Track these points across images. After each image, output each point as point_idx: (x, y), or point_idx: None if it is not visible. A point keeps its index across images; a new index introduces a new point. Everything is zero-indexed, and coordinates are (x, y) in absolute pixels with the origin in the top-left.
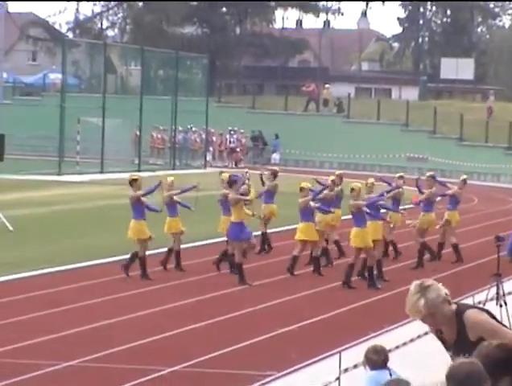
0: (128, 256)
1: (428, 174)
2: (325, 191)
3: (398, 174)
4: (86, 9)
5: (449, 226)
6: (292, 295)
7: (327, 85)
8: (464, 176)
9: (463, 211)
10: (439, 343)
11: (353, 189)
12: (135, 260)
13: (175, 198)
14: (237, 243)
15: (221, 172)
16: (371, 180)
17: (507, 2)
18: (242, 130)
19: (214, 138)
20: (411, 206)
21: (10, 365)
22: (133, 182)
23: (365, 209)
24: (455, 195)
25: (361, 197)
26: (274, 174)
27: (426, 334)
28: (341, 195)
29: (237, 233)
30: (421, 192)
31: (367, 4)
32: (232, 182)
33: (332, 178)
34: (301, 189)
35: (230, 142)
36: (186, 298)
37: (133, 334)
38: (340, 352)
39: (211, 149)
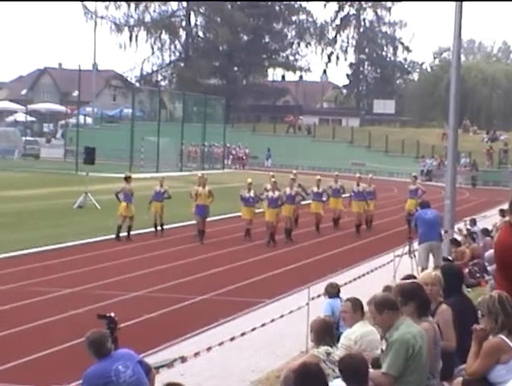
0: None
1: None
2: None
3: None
4: (147, 67)
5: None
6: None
7: (300, 117)
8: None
9: (388, 197)
10: (375, 280)
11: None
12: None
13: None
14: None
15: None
16: (318, 177)
17: (417, 63)
18: (247, 145)
19: (233, 151)
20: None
21: None
22: (128, 179)
23: None
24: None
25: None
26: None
27: (364, 275)
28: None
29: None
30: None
31: (326, 65)
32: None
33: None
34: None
35: (239, 153)
36: (200, 254)
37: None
38: (309, 287)
39: (230, 157)
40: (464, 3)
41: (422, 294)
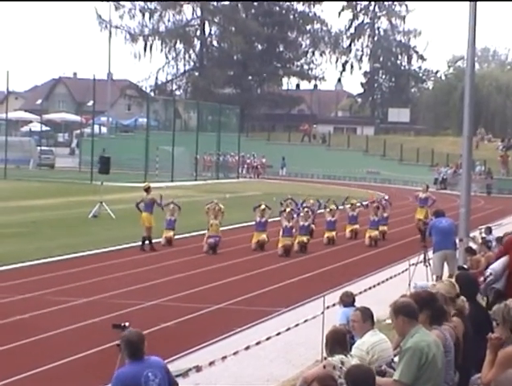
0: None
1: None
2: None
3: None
4: (162, 76)
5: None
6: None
7: (314, 126)
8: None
9: (402, 206)
10: (390, 288)
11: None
12: (145, 241)
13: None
14: None
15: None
16: (332, 206)
17: (431, 72)
18: (263, 155)
19: (247, 160)
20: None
21: None
22: (148, 189)
23: None
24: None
25: None
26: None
27: (380, 283)
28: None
29: None
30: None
31: (341, 73)
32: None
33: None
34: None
35: (254, 162)
36: (214, 264)
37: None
38: (324, 296)
39: (245, 166)
40: (478, 12)
41: (435, 303)
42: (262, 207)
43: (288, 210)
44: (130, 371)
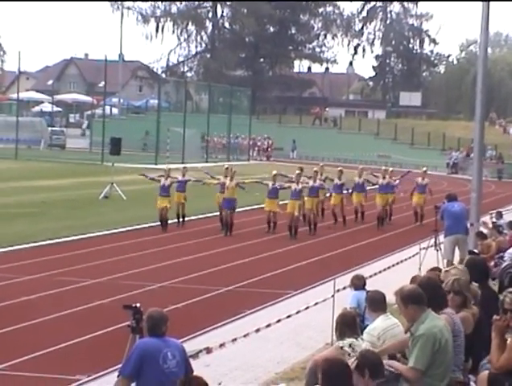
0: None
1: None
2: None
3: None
4: (173, 58)
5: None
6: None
7: (327, 109)
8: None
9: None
10: (401, 272)
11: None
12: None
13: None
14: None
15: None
16: (339, 168)
17: (443, 56)
18: (270, 136)
19: (258, 143)
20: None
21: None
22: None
23: None
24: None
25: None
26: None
27: (390, 267)
28: None
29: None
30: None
31: (353, 56)
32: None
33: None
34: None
35: (264, 145)
36: (224, 246)
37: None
38: (334, 279)
39: (256, 148)
40: None
41: (431, 290)
42: (274, 172)
43: (298, 172)
44: (151, 343)
